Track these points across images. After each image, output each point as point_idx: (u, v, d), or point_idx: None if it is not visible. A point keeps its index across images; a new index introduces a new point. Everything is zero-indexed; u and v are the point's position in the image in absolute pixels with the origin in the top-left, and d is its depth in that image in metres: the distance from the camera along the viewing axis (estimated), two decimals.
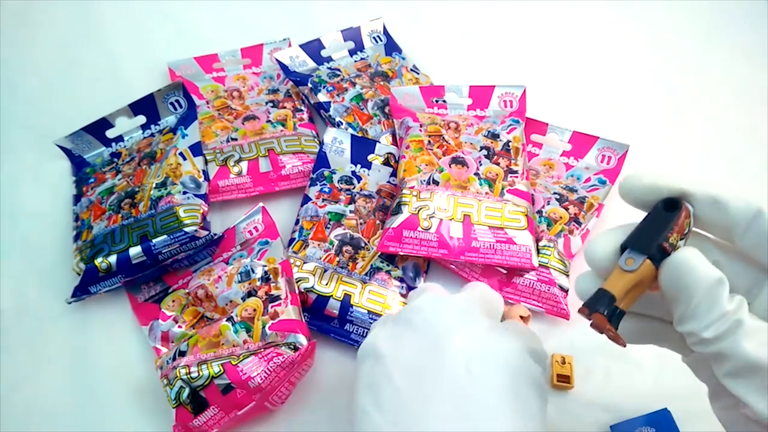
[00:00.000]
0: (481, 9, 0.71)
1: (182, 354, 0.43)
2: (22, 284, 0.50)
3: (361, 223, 0.51)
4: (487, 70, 0.65)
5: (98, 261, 0.47)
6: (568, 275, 0.48)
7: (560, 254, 0.48)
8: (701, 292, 0.24)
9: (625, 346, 0.26)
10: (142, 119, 0.56)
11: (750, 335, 0.23)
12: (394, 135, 0.56)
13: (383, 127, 0.57)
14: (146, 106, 0.56)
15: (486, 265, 0.49)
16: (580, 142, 0.55)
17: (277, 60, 0.59)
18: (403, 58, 0.63)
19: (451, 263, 0.50)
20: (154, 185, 0.50)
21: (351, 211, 0.51)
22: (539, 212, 0.51)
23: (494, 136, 0.53)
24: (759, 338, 0.23)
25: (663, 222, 0.25)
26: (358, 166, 0.53)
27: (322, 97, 0.57)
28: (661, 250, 0.25)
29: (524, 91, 0.56)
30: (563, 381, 0.44)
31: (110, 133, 0.56)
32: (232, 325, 0.43)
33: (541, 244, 0.49)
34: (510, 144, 0.53)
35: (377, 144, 0.54)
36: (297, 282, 0.47)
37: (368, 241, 0.50)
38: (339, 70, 0.60)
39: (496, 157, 0.52)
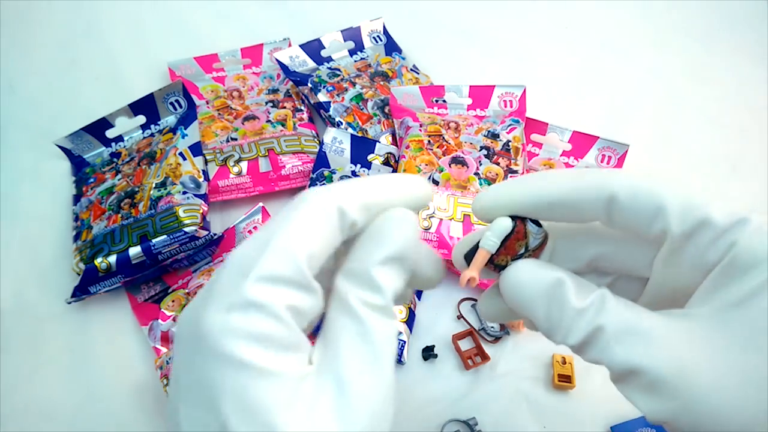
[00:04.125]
0: (481, 9, 0.71)
1: None
2: (22, 284, 0.50)
3: None
4: (487, 70, 0.65)
5: (98, 261, 0.47)
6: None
7: None
8: (540, 299, 0.23)
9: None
10: (142, 119, 0.56)
11: (615, 339, 0.21)
12: (394, 135, 0.56)
13: (383, 127, 0.57)
14: (146, 106, 0.56)
15: None
16: (580, 142, 0.55)
17: (277, 60, 0.59)
18: (403, 58, 0.63)
19: (451, 263, 0.50)
20: (153, 185, 0.50)
21: None
22: None
23: (494, 136, 0.53)
24: (625, 341, 0.21)
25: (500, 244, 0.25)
26: (358, 165, 0.53)
27: (322, 97, 0.57)
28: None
29: (524, 91, 0.56)
30: (564, 381, 0.44)
31: (110, 133, 0.56)
32: None
33: None
34: (510, 144, 0.53)
35: (377, 144, 0.54)
36: None
37: None
38: (339, 70, 0.60)
39: (496, 156, 0.52)
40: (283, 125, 0.56)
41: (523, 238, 0.25)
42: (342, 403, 0.19)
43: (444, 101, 0.57)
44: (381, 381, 0.20)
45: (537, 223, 0.25)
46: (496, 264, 0.25)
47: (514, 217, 0.25)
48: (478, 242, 0.25)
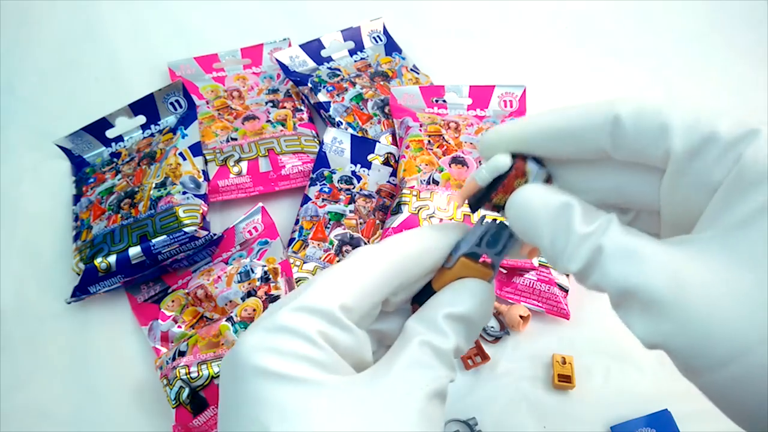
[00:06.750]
0: (481, 9, 0.71)
1: (182, 354, 0.43)
2: (22, 284, 0.50)
3: (360, 223, 0.50)
4: (487, 70, 0.65)
5: (98, 261, 0.47)
6: (568, 275, 0.48)
7: None
8: (545, 223, 0.22)
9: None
10: (142, 119, 0.56)
11: (613, 259, 0.20)
12: (394, 135, 0.56)
13: (383, 127, 0.57)
14: (146, 106, 0.56)
15: None
16: None
17: (277, 60, 0.59)
18: (403, 58, 0.63)
19: None
20: (153, 185, 0.50)
21: (351, 211, 0.51)
22: None
23: None
24: (623, 261, 0.20)
25: (497, 182, 0.24)
26: (358, 165, 0.53)
27: (322, 97, 0.57)
28: (486, 208, 0.25)
29: (524, 91, 0.56)
30: (564, 381, 0.44)
31: (110, 133, 0.56)
32: (232, 325, 0.43)
33: None
34: None
35: (377, 144, 0.54)
36: (297, 282, 0.47)
37: (368, 241, 0.50)
38: (339, 70, 0.60)
39: None
40: (283, 125, 0.56)
41: (522, 176, 0.24)
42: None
43: (444, 101, 0.57)
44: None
45: (541, 163, 0.24)
46: (495, 204, 0.24)
47: (515, 156, 0.24)
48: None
